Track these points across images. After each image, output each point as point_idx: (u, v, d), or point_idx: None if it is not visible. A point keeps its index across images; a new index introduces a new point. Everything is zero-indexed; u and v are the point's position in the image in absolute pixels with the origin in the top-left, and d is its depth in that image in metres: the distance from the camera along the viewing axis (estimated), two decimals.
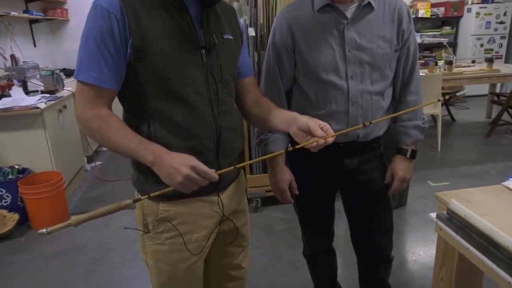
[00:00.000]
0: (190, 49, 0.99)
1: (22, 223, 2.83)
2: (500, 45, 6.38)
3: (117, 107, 1.04)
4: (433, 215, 1.13)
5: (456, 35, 6.61)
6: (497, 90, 5.47)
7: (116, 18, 0.92)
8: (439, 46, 6.11)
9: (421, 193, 3.18)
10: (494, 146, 4.32)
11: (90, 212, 0.88)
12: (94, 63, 0.94)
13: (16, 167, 2.91)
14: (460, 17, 6.46)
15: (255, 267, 2.28)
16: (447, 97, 4.95)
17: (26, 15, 4.05)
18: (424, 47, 6.28)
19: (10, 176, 2.86)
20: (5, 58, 3.74)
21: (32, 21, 4.33)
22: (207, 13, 1.03)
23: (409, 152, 1.43)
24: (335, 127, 1.29)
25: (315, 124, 0.98)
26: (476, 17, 6.18)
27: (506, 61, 6.36)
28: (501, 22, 6.27)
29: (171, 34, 0.97)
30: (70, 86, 3.64)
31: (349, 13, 1.26)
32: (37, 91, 3.34)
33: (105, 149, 4.23)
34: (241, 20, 1.27)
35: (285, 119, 1.08)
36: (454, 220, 1.05)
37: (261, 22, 2.84)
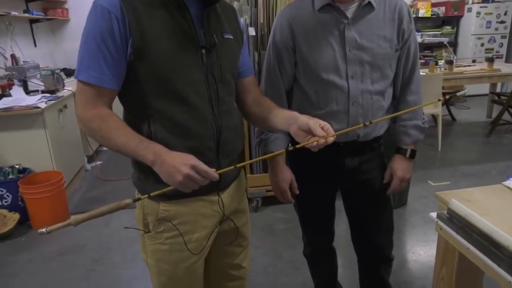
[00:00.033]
0: (190, 48, 0.99)
1: (23, 223, 2.83)
2: (501, 45, 6.38)
3: (118, 106, 1.04)
4: (434, 214, 1.13)
5: (456, 34, 6.61)
6: (498, 89, 5.47)
7: (117, 18, 0.92)
8: (440, 45, 6.11)
9: (421, 193, 3.18)
10: (494, 146, 4.31)
11: (90, 212, 0.88)
12: (94, 62, 0.94)
13: (17, 166, 2.91)
14: (461, 16, 6.45)
15: (256, 267, 2.28)
16: (447, 96, 4.95)
17: (26, 14, 4.05)
18: (425, 46, 6.28)
19: (10, 176, 2.86)
20: (5, 58, 3.74)
21: (32, 21, 4.33)
22: (208, 13, 1.03)
23: (408, 152, 1.43)
24: (336, 126, 1.29)
25: (315, 123, 0.98)
26: (476, 16, 6.18)
27: (506, 61, 6.35)
28: (502, 22, 6.26)
29: (171, 34, 0.97)
30: (70, 85, 3.64)
31: (349, 12, 1.26)
32: (37, 90, 3.34)
33: (105, 148, 4.23)
34: (242, 20, 1.27)
35: (286, 118, 1.08)
36: (455, 220, 1.05)
37: (262, 21, 2.84)
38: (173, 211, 1.07)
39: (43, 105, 2.91)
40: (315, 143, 0.96)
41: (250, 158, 2.92)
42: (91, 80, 0.95)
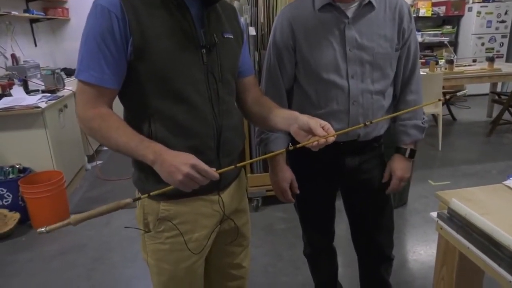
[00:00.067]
0: (190, 48, 0.99)
1: (23, 223, 2.83)
2: (501, 44, 6.38)
3: (118, 106, 1.04)
4: (434, 214, 1.13)
5: (457, 34, 6.60)
6: (498, 89, 5.47)
7: (117, 17, 0.92)
8: (440, 45, 6.10)
9: (421, 193, 3.18)
10: (495, 145, 4.31)
11: (89, 211, 0.88)
12: (94, 62, 0.94)
13: (17, 166, 2.91)
14: (461, 16, 6.45)
15: (256, 266, 2.28)
16: (447, 96, 4.95)
17: (26, 14, 4.05)
18: (425, 46, 6.28)
19: (11, 176, 2.86)
20: (5, 58, 3.74)
21: (32, 21, 4.33)
22: (208, 12, 1.03)
23: (407, 152, 1.43)
24: (336, 126, 1.29)
25: (316, 123, 0.98)
26: (477, 16, 6.18)
27: (507, 60, 6.35)
28: (502, 21, 6.26)
29: (171, 33, 0.97)
30: (70, 85, 3.64)
31: (350, 12, 1.26)
32: (37, 90, 3.34)
33: (105, 148, 4.24)
34: (242, 19, 1.27)
35: (286, 118, 1.08)
36: (455, 220, 1.05)
37: (262, 21, 2.84)
38: (174, 210, 1.07)
39: (43, 105, 2.91)
40: (316, 142, 0.96)
41: (251, 158, 2.92)
42: (91, 80, 0.95)
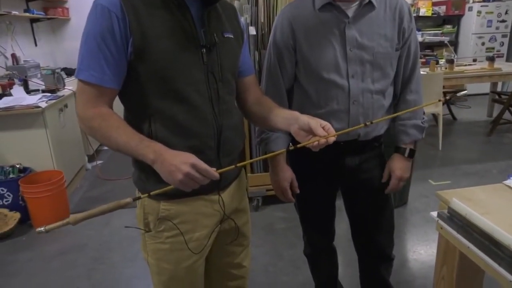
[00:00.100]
0: (190, 48, 0.99)
1: (23, 222, 2.83)
2: (502, 44, 6.37)
3: (119, 106, 1.04)
4: (434, 214, 1.13)
5: (457, 33, 6.60)
6: (499, 88, 5.47)
7: (117, 17, 0.92)
8: (440, 44, 6.09)
9: (422, 192, 3.18)
10: (495, 145, 4.31)
11: (89, 211, 0.88)
12: (94, 62, 0.94)
13: (17, 166, 2.91)
14: (462, 15, 6.45)
15: (256, 266, 2.28)
16: (447, 97, 4.94)
17: (27, 14, 4.05)
18: (425, 45, 6.28)
19: (11, 175, 2.86)
20: (6, 57, 3.74)
21: (33, 20, 4.33)
22: (208, 12, 1.03)
23: (407, 151, 1.43)
24: (336, 126, 1.29)
25: (316, 123, 0.98)
26: (477, 15, 6.17)
27: (507, 60, 6.35)
28: (503, 21, 6.26)
29: (171, 33, 0.97)
30: (71, 85, 3.64)
31: (350, 11, 1.25)
32: (38, 90, 3.34)
33: (106, 148, 4.24)
34: (242, 19, 1.27)
35: (286, 118, 1.08)
36: (455, 219, 1.05)
37: (262, 21, 2.84)
38: (174, 210, 1.07)
39: (43, 105, 2.91)
40: (316, 143, 0.96)
41: (251, 157, 2.92)
42: (91, 80, 0.95)
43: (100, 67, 0.94)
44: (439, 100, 1.28)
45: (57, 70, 3.66)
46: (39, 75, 3.69)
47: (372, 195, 1.49)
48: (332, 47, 1.27)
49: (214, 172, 0.91)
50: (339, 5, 1.24)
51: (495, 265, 0.90)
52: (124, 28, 0.92)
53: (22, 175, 2.88)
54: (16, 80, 3.46)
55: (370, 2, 1.25)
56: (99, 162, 4.10)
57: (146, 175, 1.05)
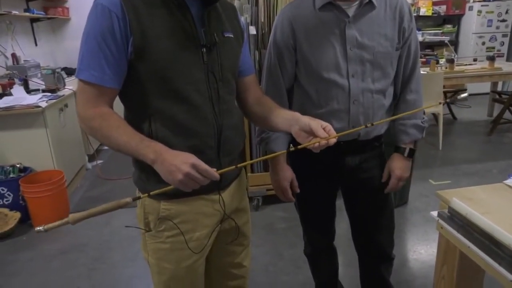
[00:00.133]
0: (191, 47, 0.99)
1: (24, 222, 2.83)
2: (502, 43, 6.37)
3: (119, 106, 1.04)
4: (435, 213, 1.13)
5: (457, 33, 6.60)
6: (499, 88, 5.46)
7: (117, 17, 0.92)
8: (441, 44, 6.10)
9: (422, 192, 3.18)
10: (495, 145, 4.31)
11: (89, 210, 0.87)
12: (95, 62, 0.94)
13: (18, 165, 2.91)
14: (462, 15, 6.44)
15: (256, 266, 2.29)
16: (448, 100, 4.94)
17: (27, 14, 4.05)
18: (426, 45, 6.28)
19: (11, 175, 2.87)
20: (6, 57, 3.74)
21: (33, 20, 4.33)
22: (208, 12, 1.03)
23: (407, 151, 1.43)
24: (336, 125, 1.29)
25: (317, 124, 0.97)
26: (477, 15, 6.17)
27: (507, 59, 6.34)
28: (503, 20, 6.25)
29: (172, 33, 0.97)
30: (71, 85, 3.64)
31: (350, 11, 1.25)
32: (38, 90, 3.35)
33: (106, 147, 4.24)
34: (242, 19, 1.27)
35: (287, 119, 1.07)
36: (456, 219, 1.05)
37: (262, 20, 2.84)
38: (174, 210, 1.07)
39: (44, 104, 2.91)
40: (317, 144, 0.96)
41: (251, 157, 2.92)
42: (92, 80, 0.95)
43: (100, 66, 0.94)
44: (440, 103, 1.28)
45: (57, 70, 3.66)
46: (39, 75, 3.69)
47: (372, 194, 1.49)
48: (332, 46, 1.27)
49: (214, 173, 0.91)
50: (339, 4, 1.24)
51: (495, 264, 0.90)
52: (125, 28, 0.92)
53: (22, 174, 2.88)
54: (16, 80, 3.46)
55: (370, 2, 1.25)
56: (99, 161, 4.10)
57: (147, 175, 1.05)
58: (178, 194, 1.00)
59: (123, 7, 0.92)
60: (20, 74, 3.48)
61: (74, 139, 3.58)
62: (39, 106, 2.86)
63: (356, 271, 1.76)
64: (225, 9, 1.12)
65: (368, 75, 1.30)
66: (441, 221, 1.10)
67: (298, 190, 1.44)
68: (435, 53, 5.64)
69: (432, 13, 6.38)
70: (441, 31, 6.47)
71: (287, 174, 1.41)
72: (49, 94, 3.23)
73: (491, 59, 4.46)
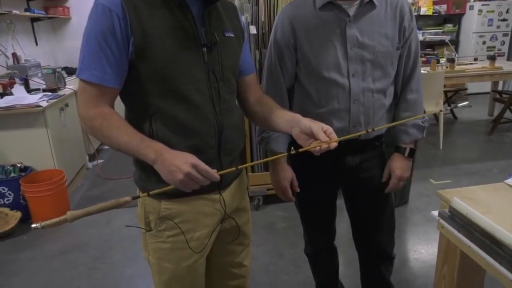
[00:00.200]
0: (191, 47, 0.99)
1: (24, 221, 2.83)
2: (503, 43, 6.36)
3: (120, 106, 1.04)
4: (435, 213, 1.13)
5: (458, 32, 6.59)
6: (499, 87, 5.46)
7: (118, 16, 0.92)
8: (441, 43, 6.09)
9: (423, 191, 3.18)
10: (496, 144, 4.31)
11: (87, 208, 0.87)
12: (96, 61, 0.94)
13: (18, 165, 2.92)
14: (462, 14, 6.44)
15: (257, 265, 2.29)
16: (449, 108, 4.92)
17: (27, 13, 4.05)
18: (426, 44, 6.27)
19: (12, 174, 2.87)
20: (6, 57, 3.74)
21: (33, 20, 4.33)
22: (209, 11, 1.03)
23: (407, 151, 1.43)
24: (337, 125, 1.29)
25: (318, 127, 0.97)
26: (478, 14, 6.16)
27: (508, 59, 6.34)
28: (504, 20, 6.25)
29: (172, 33, 0.97)
30: (71, 84, 3.65)
31: (351, 10, 1.25)
32: (38, 89, 3.35)
33: (107, 147, 4.23)
34: (243, 18, 1.27)
35: (288, 120, 1.07)
36: (456, 218, 1.05)
37: (263, 20, 2.83)
38: (175, 209, 1.07)
39: (44, 104, 2.91)
40: (318, 148, 0.96)
41: (252, 156, 2.92)
42: (93, 79, 0.95)
43: (101, 66, 0.94)
44: (440, 111, 1.28)
45: (57, 69, 3.67)
46: (39, 74, 3.70)
47: (372, 194, 1.49)
48: (333, 46, 1.27)
49: (214, 173, 0.91)
50: (340, 4, 1.24)
51: (496, 264, 0.90)
52: (125, 27, 0.92)
53: (23, 174, 2.88)
54: (17, 79, 3.46)
55: (371, 1, 1.25)
56: (100, 161, 4.10)
57: (147, 174, 1.05)
58: (179, 193, 1.00)
59: (123, 7, 0.92)
60: (20, 73, 3.48)
61: (74, 138, 3.59)
62: (40, 106, 2.87)
63: (357, 270, 1.76)
64: (226, 8, 1.12)
65: (368, 74, 1.30)
66: (441, 221, 1.10)
67: (298, 190, 1.44)
68: (436, 53, 5.64)
69: (433, 13, 6.37)
70: (441, 30, 6.46)
71: (287, 174, 1.41)
72: (50, 93, 3.24)
73: (492, 58, 4.46)
